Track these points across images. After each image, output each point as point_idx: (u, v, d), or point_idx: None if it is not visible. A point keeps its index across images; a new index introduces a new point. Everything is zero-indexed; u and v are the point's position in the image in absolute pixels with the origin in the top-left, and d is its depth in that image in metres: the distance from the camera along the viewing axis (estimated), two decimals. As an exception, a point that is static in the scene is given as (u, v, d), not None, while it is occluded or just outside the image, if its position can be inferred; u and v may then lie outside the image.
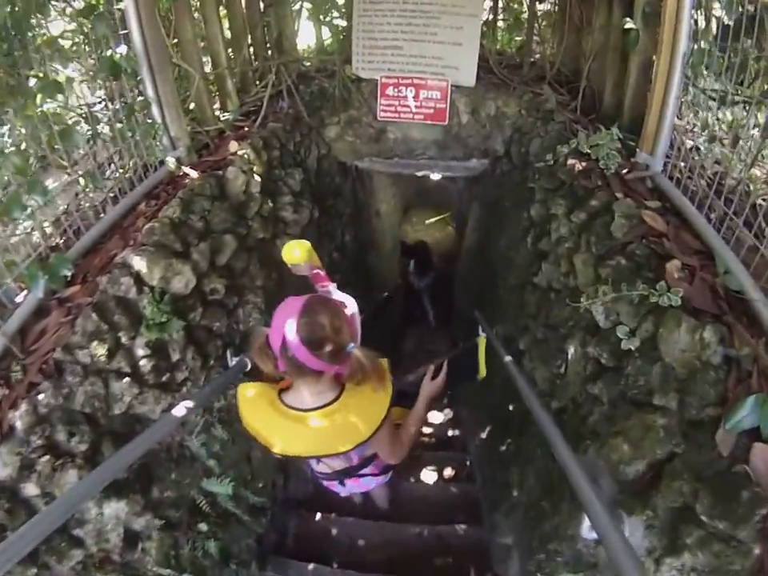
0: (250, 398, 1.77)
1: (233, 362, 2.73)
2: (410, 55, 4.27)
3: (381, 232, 7.31)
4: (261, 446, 1.76)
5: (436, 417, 5.55)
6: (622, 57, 3.26)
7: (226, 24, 4.18)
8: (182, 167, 3.12)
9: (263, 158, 3.55)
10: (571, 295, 2.59)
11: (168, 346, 2.49)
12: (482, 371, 2.64)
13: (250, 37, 4.25)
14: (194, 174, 3.04)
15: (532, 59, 4.58)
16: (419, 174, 7.19)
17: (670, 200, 2.46)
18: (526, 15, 4.51)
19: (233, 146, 3.41)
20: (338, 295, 2.39)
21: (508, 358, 2.66)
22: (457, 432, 5.12)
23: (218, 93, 4.14)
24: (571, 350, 2.47)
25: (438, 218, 10.78)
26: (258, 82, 4.39)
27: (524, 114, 4.03)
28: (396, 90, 4.36)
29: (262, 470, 3.32)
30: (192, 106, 3.73)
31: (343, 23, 4.70)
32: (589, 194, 2.64)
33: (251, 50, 4.46)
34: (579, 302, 2.33)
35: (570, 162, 2.93)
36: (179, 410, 1.92)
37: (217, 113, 3.91)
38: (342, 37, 4.65)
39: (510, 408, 3.36)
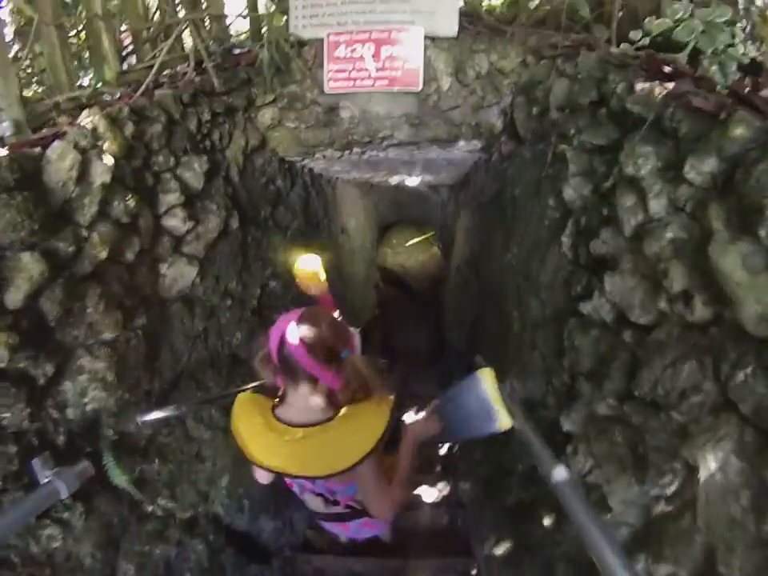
0: (245, 404, 1.70)
1: (45, 478, 1.56)
2: (367, 1, 3.12)
3: (349, 253, 5.95)
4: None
5: (427, 493, 4.14)
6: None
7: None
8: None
9: (126, 133, 2.23)
10: (692, 338, 1.26)
11: None
12: (505, 419, 1.67)
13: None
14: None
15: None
16: (393, 180, 5.96)
17: None
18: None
19: (83, 116, 2.19)
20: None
21: (561, 474, 1.30)
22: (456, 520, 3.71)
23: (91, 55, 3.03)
24: (710, 465, 1.14)
25: (420, 237, 9.51)
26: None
27: (531, 62, 2.75)
28: (349, 49, 3.17)
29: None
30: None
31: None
32: (712, 122, 1.32)
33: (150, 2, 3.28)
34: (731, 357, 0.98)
35: (641, 86, 1.63)
36: None
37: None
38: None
39: (545, 525, 1.99)
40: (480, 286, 3.76)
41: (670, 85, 1.62)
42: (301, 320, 1.49)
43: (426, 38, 3.03)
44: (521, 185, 2.65)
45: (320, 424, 1.53)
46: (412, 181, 5.83)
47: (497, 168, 3.23)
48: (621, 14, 2.58)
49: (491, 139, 3.20)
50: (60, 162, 1.90)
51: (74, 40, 3.42)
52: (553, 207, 2.12)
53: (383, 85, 3.12)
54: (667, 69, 1.76)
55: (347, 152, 3.71)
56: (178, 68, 3.14)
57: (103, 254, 1.96)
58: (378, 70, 3.11)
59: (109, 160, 2.08)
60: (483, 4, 3.86)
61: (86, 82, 3.16)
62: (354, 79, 3.16)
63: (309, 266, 2.17)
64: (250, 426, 1.62)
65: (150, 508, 2.24)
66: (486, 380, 1.74)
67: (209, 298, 2.72)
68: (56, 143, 1.94)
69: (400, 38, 3.05)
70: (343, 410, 1.56)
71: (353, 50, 3.13)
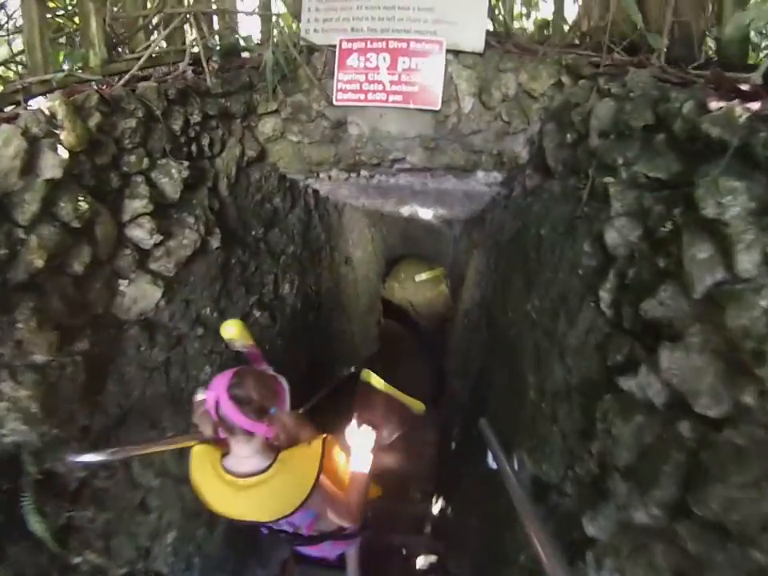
0: (198, 457, 1.82)
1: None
2: (385, 7, 2.82)
3: (352, 284, 5.58)
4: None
5: (412, 557, 3.67)
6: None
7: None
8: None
9: (90, 124, 1.90)
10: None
11: None
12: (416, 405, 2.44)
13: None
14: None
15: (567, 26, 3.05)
16: (404, 210, 5.61)
17: None
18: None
19: (43, 100, 1.96)
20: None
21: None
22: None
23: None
24: None
25: (429, 273, 9.12)
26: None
27: (567, 82, 2.41)
28: (362, 58, 2.86)
29: None
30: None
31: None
32: None
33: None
34: None
35: (717, 104, 1.28)
36: None
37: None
38: None
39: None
40: (490, 335, 3.35)
41: (754, 105, 1.25)
42: (231, 385, 1.66)
43: (448, 51, 2.71)
44: (547, 224, 2.26)
45: (262, 472, 1.72)
46: (424, 213, 5.48)
47: (518, 203, 2.86)
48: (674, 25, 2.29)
49: (514, 171, 2.84)
50: (4, 148, 1.58)
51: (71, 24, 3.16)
52: (589, 253, 1.72)
53: (397, 101, 2.79)
54: (744, 87, 1.41)
55: (354, 174, 3.36)
56: (179, 65, 2.83)
57: (40, 262, 1.60)
58: (392, 83, 2.79)
59: (63, 152, 1.74)
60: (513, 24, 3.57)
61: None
62: (366, 92, 2.83)
63: (231, 331, 2.29)
64: (204, 477, 1.78)
65: (76, 560, 1.86)
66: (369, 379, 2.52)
67: (175, 324, 2.34)
68: (2, 127, 1.62)
69: (419, 49, 2.74)
70: (280, 455, 1.77)
71: (367, 60, 2.82)
